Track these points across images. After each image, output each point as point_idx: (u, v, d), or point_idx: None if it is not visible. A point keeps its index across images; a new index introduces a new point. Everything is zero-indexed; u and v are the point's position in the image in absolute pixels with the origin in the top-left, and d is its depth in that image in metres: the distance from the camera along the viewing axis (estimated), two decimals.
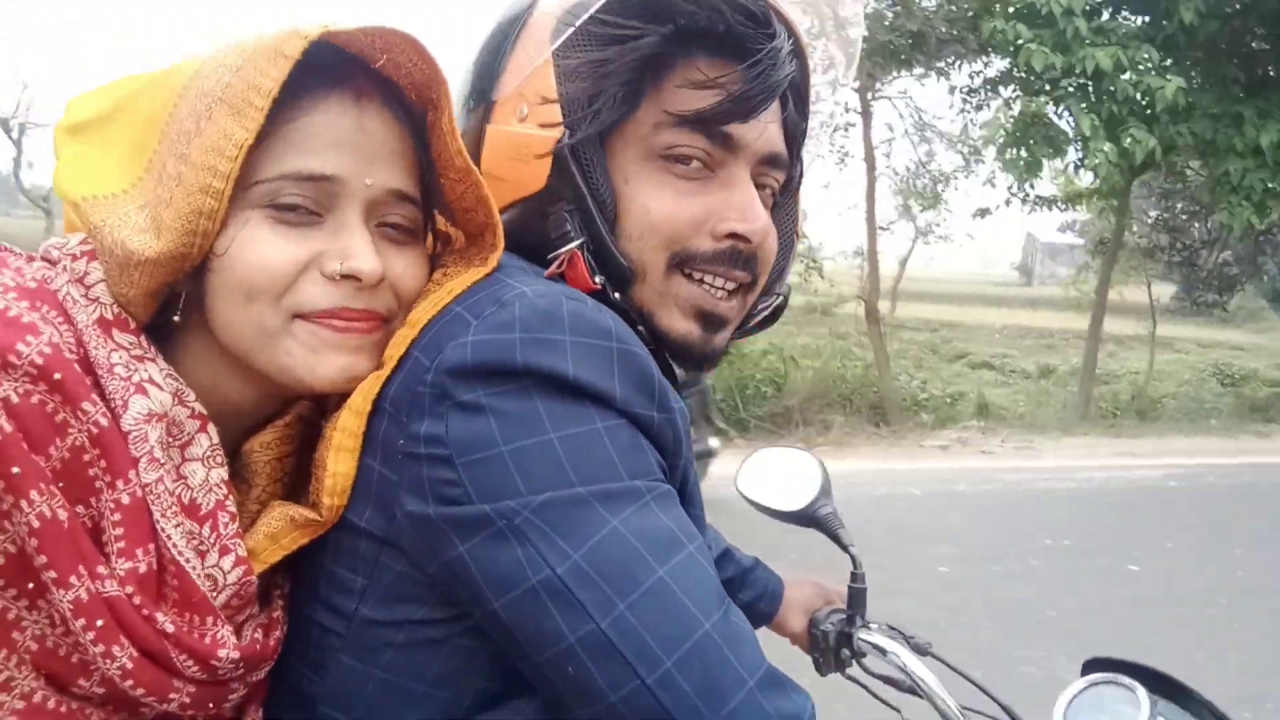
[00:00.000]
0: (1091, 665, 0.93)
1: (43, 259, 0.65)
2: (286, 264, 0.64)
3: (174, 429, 0.63)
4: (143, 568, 0.59)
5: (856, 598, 1.04)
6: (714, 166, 0.74)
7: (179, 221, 0.62)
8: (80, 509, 0.58)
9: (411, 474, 0.61)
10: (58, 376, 0.57)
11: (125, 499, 0.58)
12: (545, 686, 0.61)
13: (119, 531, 0.58)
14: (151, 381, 0.62)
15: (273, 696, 0.69)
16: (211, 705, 0.63)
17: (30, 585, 0.56)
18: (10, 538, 0.55)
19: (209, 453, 0.64)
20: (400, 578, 0.63)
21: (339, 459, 0.64)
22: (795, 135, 0.78)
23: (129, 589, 0.58)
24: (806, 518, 1.06)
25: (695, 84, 0.72)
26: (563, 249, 0.73)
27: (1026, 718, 0.93)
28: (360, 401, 0.65)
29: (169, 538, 0.60)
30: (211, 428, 0.64)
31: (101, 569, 0.57)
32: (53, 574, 0.56)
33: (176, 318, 0.66)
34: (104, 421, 0.58)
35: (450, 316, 0.65)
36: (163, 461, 0.60)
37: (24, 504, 0.55)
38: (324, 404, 0.71)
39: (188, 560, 0.60)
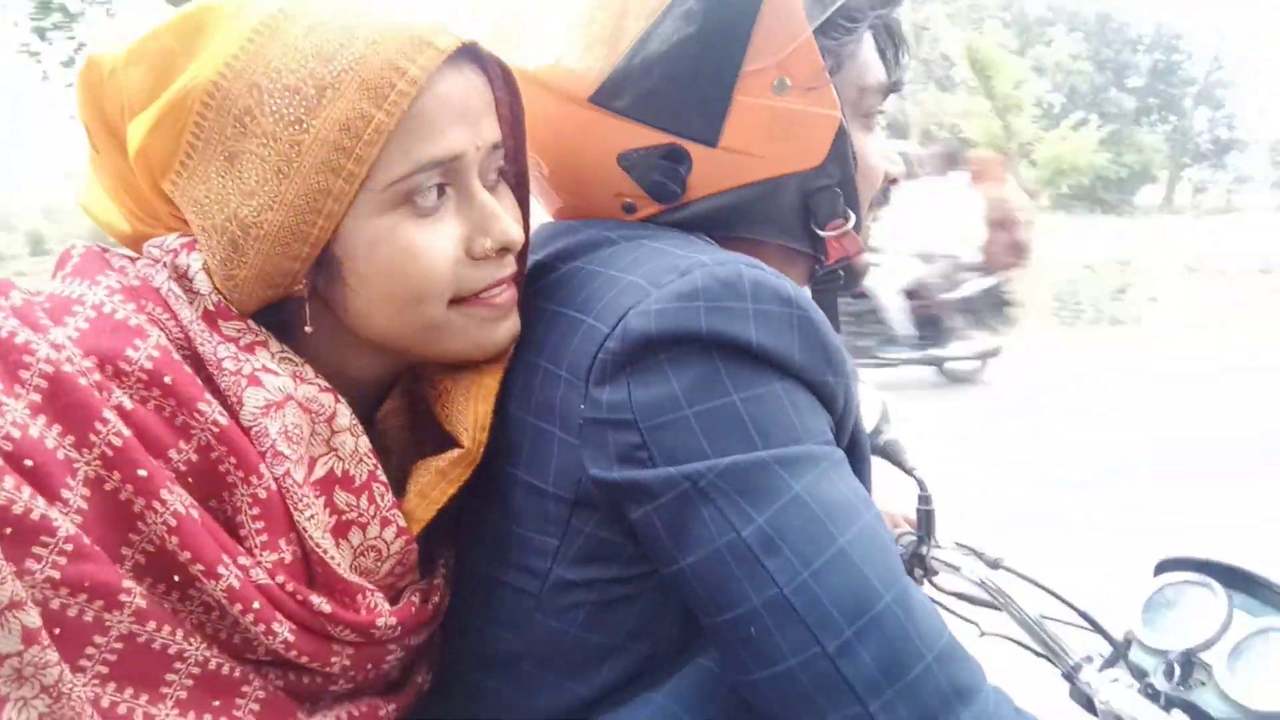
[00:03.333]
0: (1165, 565, 0.94)
1: (145, 258, 0.65)
2: (447, 261, 0.64)
3: (312, 406, 0.63)
4: (288, 557, 0.61)
5: (925, 519, 1.05)
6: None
7: (301, 198, 0.60)
8: (213, 503, 0.60)
9: (595, 439, 0.64)
10: (168, 380, 0.58)
11: (262, 493, 0.60)
12: (723, 644, 0.63)
13: (259, 525, 0.60)
14: (265, 369, 0.61)
15: (464, 662, 0.72)
16: (371, 665, 0.65)
17: (176, 578, 0.58)
18: (146, 538, 0.57)
19: (352, 423, 0.65)
20: (591, 538, 0.66)
21: (481, 400, 0.67)
22: None
23: (280, 578, 0.60)
24: (871, 447, 1.08)
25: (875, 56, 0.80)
26: (836, 229, 0.78)
27: (1104, 622, 0.94)
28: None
29: (305, 530, 0.61)
30: (343, 400, 0.65)
31: (244, 560, 0.59)
32: (200, 566, 0.57)
33: (308, 328, 0.65)
34: (223, 420, 0.59)
35: (623, 285, 0.66)
36: (289, 454, 0.61)
37: (157, 504, 0.56)
38: (429, 366, 0.72)
39: (326, 551, 0.62)
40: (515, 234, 0.66)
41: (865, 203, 0.81)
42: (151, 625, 0.57)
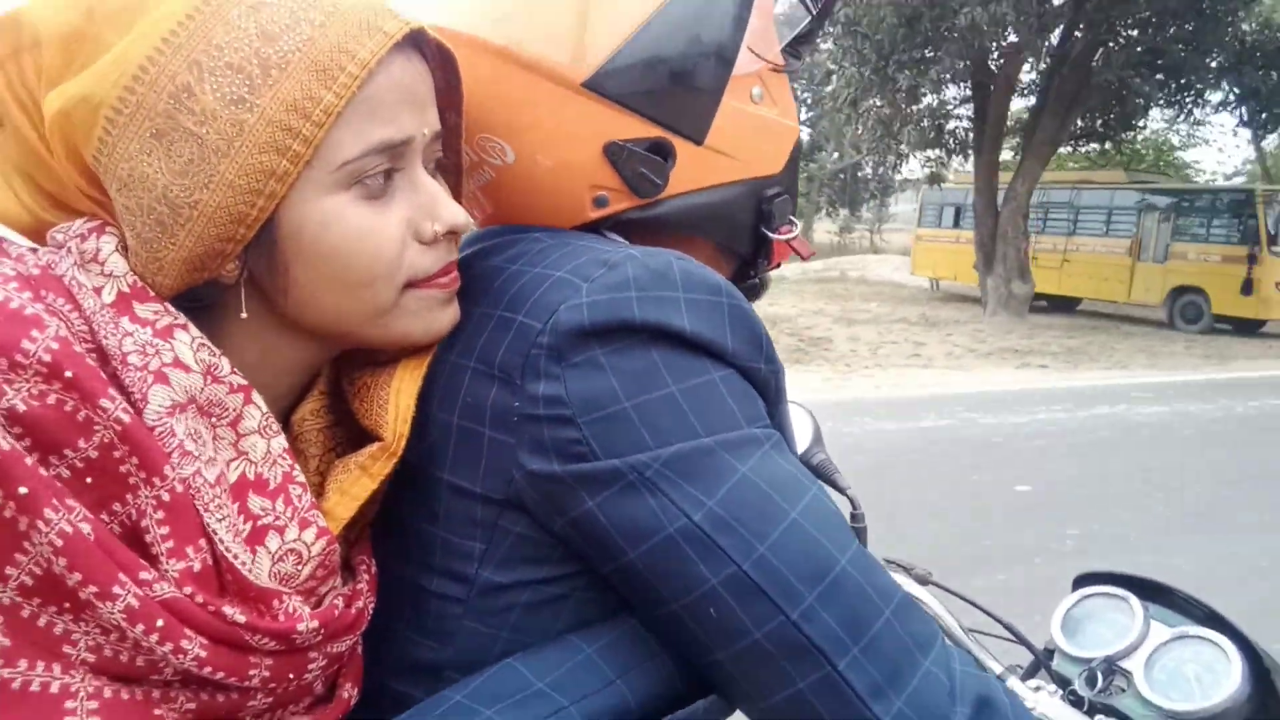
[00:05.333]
0: (1083, 580, 0.99)
1: (49, 245, 0.61)
2: (394, 242, 0.63)
3: (214, 409, 0.60)
4: (197, 565, 0.57)
5: (858, 536, 1.08)
6: None
7: (242, 178, 0.57)
8: (106, 516, 0.55)
9: (531, 435, 0.62)
10: (69, 374, 0.53)
11: (166, 495, 0.56)
12: (679, 630, 0.62)
13: (164, 531, 0.56)
14: (176, 364, 0.58)
15: (390, 672, 0.69)
16: (292, 676, 0.61)
17: (67, 603, 0.53)
18: (34, 559, 0.52)
19: (264, 423, 0.62)
20: (521, 539, 0.64)
21: (403, 395, 0.65)
22: None
23: (188, 589, 0.56)
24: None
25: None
26: (787, 232, 0.81)
27: (1030, 635, 0.98)
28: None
29: (215, 534, 0.57)
30: (258, 397, 0.62)
31: (145, 574, 0.54)
32: (93, 589, 0.52)
33: (244, 315, 0.62)
34: (125, 418, 0.55)
35: (552, 281, 0.65)
36: (197, 454, 0.57)
37: (40, 524, 0.51)
38: (348, 364, 0.71)
39: (237, 557, 0.58)
40: (462, 217, 0.66)
41: None
42: (23, 665, 0.52)
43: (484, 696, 0.62)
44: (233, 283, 0.62)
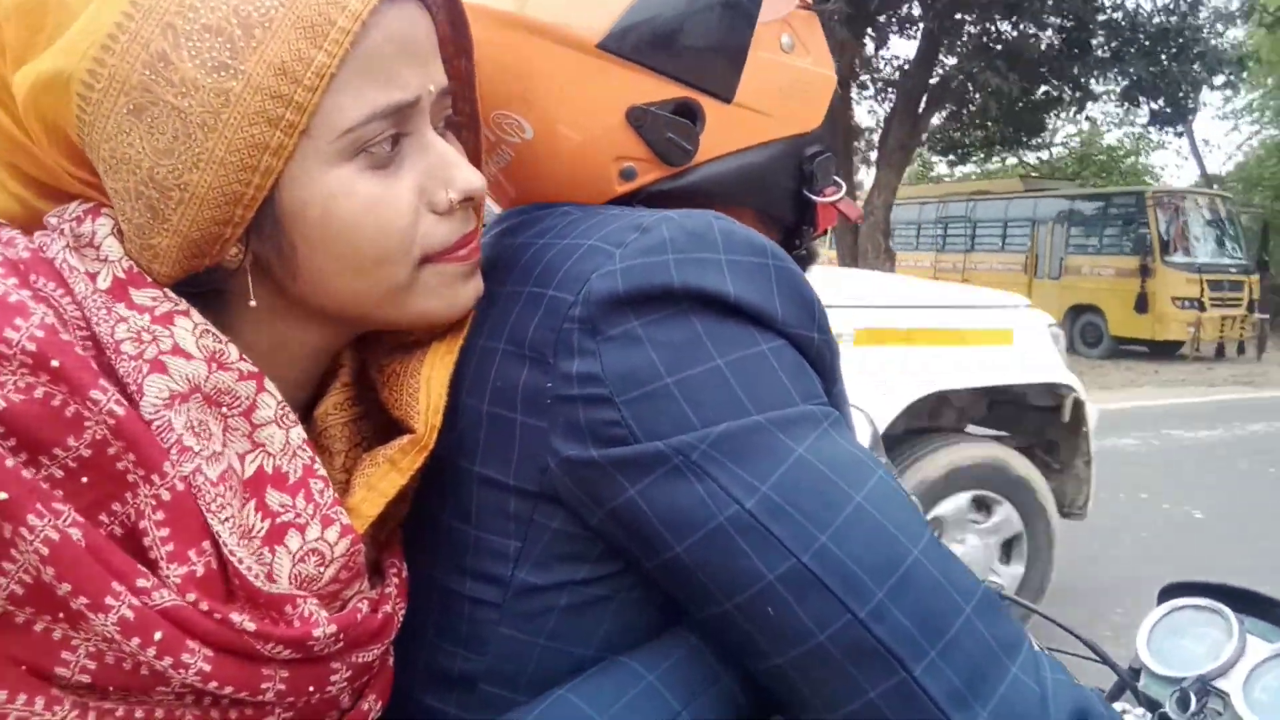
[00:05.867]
0: (1169, 591, 0.91)
1: (42, 229, 0.58)
2: (407, 215, 0.57)
3: (224, 398, 0.55)
4: (200, 569, 0.52)
5: None
6: None
7: (233, 154, 0.52)
8: (106, 517, 0.51)
9: (565, 417, 0.58)
10: (56, 363, 0.49)
11: (166, 495, 0.52)
12: (734, 633, 0.57)
13: (164, 533, 0.52)
14: (175, 351, 0.54)
15: (418, 683, 0.65)
16: (313, 689, 0.56)
17: (61, 614, 0.50)
18: (22, 567, 0.49)
19: (280, 413, 0.57)
20: (558, 535, 0.60)
21: (435, 383, 0.61)
22: None
23: (190, 595, 0.52)
24: None
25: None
26: (833, 194, 0.74)
27: (1113, 653, 0.91)
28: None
29: (219, 536, 0.53)
30: (271, 386, 0.58)
31: (143, 581, 0.51)
32: (84, 600, 0.49)
33: (253, 302, 0.58)
34: (119, 410, 0.51)
35: (582, 251, 0.61)
36: (198, 449, 0.53)
37: (25, 531, 0.47)
38: (375, 351, 0.67)
39: (242, 560, 0.54)
40: (478, 182, 0.61)
41: None
42: (2, 695, 0.49)
43: None
44: (236, 268, 0.57)
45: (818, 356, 0.61)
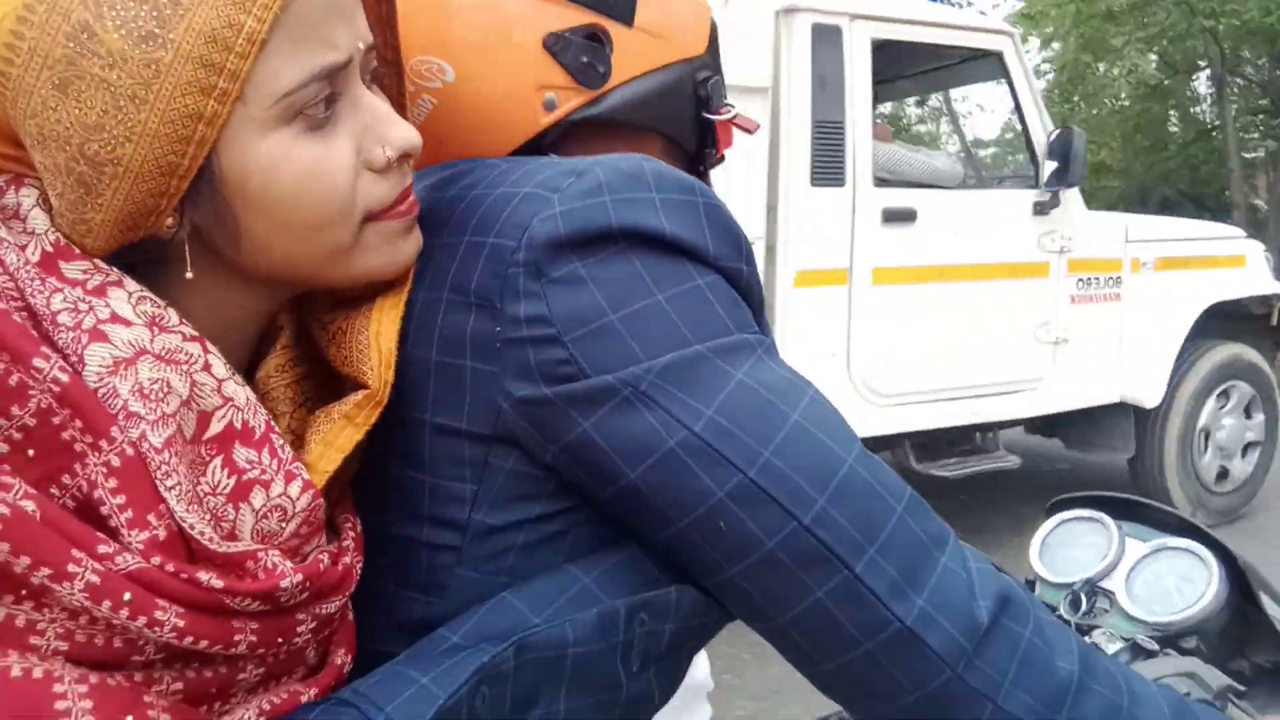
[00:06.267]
0: (1056, 506, 0.99)
1: None
2: (347, 176, 0.57)
3: (177, 356, 0.54)
4: (162, 533, 0.52)
5: None
6: None
7: (167, 126, 0.51)
8: (56, 490, 0.50)
9: (515, 359, 0.59)
10: None
11: (116, 460, 0.51)
12: (689, 551, 0.60)
13: (120, 500, 0.51)
14: (114, 319, 0.52)
15: (382, 636, 0.66)
16: (281, 640, 0.57)
17: (24, 590, 0.49)
18: None
19: (231, 372, 0.57)
20: (513, 475, 0.61)
21: (384, 337, 0.61)
22: None
23: (156, 559, 0.51)
24: None
25: None
26: (725, 113, 0.79)
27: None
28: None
29: (167, 502, 0.52)
30: (213, 347, 0.57)
31: (104, 548, 0.50)
32: (46, 571, 0.48)
33: (189, 274, 0.57)
34: (64, 377, 0.50)
35: (519, 197, 0.62)
36: (143, 414, 0.52)
37: None
38: (315, 310, 0.67)
39: (193, 526, 0.53)
40: (414, 136, 0.61)
41: None
42: None
43: (474, 636, 0.60)
44: (170, 237, 0.57)
45: (747, 289, 0.64)
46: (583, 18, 0.72)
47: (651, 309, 0.59)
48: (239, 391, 0.56)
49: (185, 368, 0.54)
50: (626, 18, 0.73)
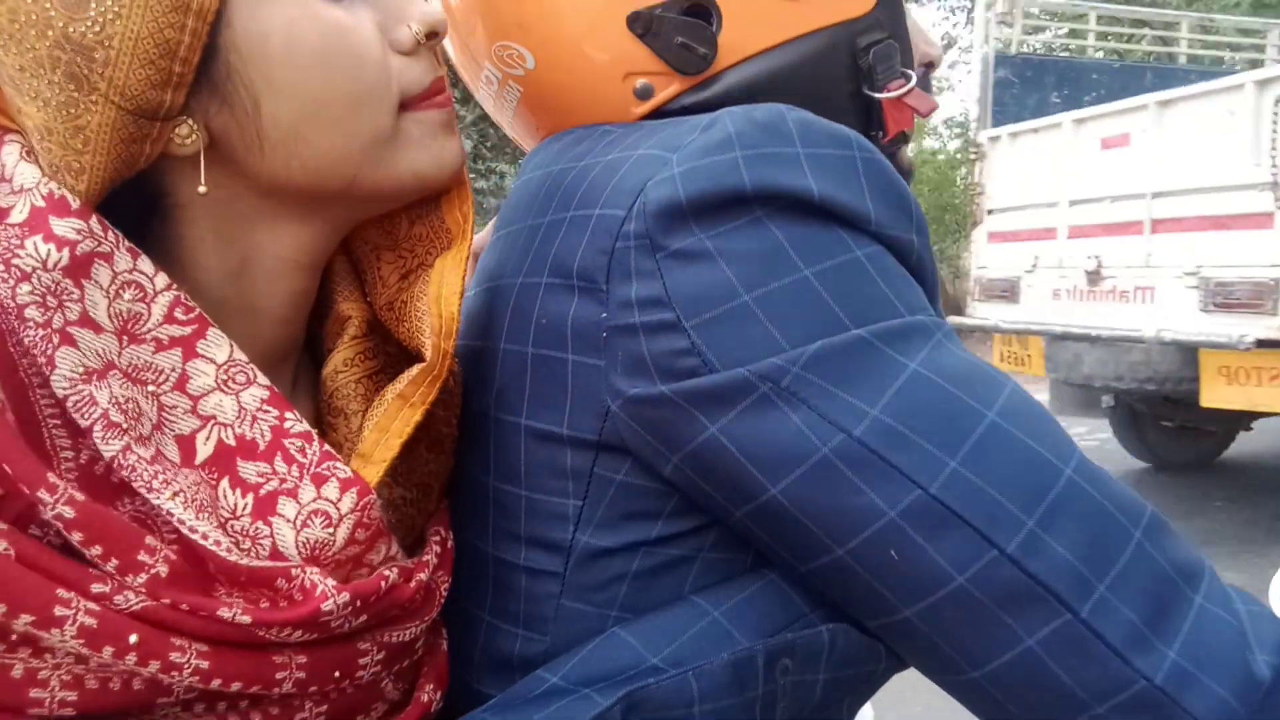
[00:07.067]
0: None
1: None
2: (377, 45, 0.51)
3: (145, 374, 0.47)
4: (163, 570, 0.45)
5: None
6: None
7: None
8: (36, 528, 0.44)
9: (626, 351, 0.49)
10: None
11: (69, 511, 0.44)
12: (847, 588, 0.48)
13: (96, 551, 0.44)
14: (84, 321, 0.47)
15: (475, 671, 0.57)
16: (339, 674, 0.49)
17: (13, 637, 0.43)
18: None
19: (223, 378, 0.50)
20: (625, 489, 0.51)
21: (444, 302, 0.53)
22: None
23: (166, 599, 0.45)
24: None
25: None
26: (899, 88, 0.62)
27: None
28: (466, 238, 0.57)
29: (171, 514, 0.46)
30: (212, 346, 0.50)
31: (99, 586, 0.44)
32: (27, 618, 0.42)
33: (203, 188, 0.50)
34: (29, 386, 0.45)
35: (632, 161, 0.52)
36: (127, 427, 0.46)
37: None
38: (382, 293, 0.60)
39: (207, 535, 0.46)
40: (439, 13, 0.54)
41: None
42: None
43: (578, 679, 0.49)
44: (190, 155, 0.50)
45: (919, 264, 0.52)
46: None
47: (796, 287, 0.47)
48: (225, 403, 0.50)
49: (152, 389, 0.48)
50: None
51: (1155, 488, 5.15)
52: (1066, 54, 6.69)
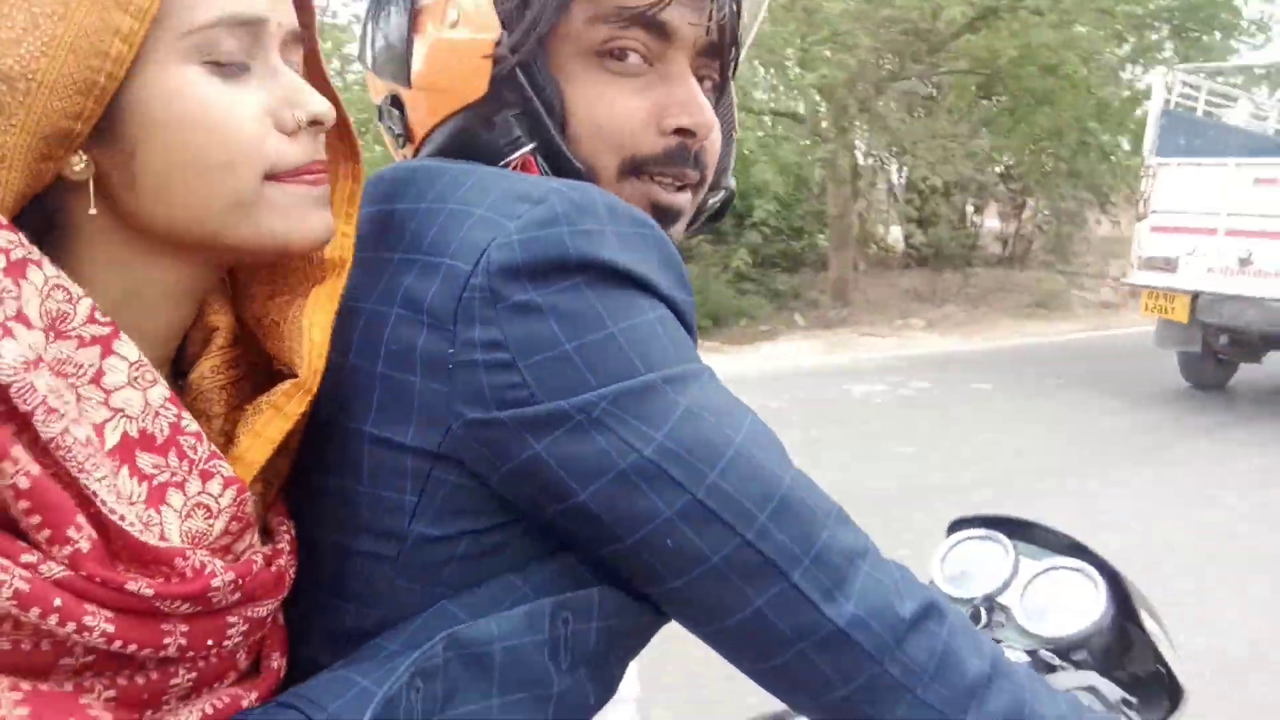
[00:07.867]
0: (956, 525, 1.06)
1: None
2: (252, 122, 0.57)
3: (66, 367, 0.53)
4: (85, 545, 0.51)
5: None
6: (653, 60, 0.75)
7: (84, 39, 0.52)
8: None
9: (467, 382, 0.60)
10: None
11: (23, 482, 0.49)
12: (632, 564, 0.63)
13: (35, 520, 0.49)
14: (19, 317, 0.50)
15: (316, 645, 0.65)
16: (212, 642, 0.56)
17: None
18: None
19: (134, 374, 0.55)
20: (456, 490, 0.62)
21: (316, 328, 0.61)
22: (729, 25, 0.78)
23: (84, 571, 0.50)
24: None
25: None
26: (514, 154, 0.73)
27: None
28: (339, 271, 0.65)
29: (96, 495, 0.51)
30: (125, 346, 0.55)
31: (29, 556, 0.49)
32: None
33: (93, 210, 0.55)
34: None
35: (474, 220, 0.63)
36: (62, 411, 0.51)
37: None
38: (252, 308, 0.67)
39: (124, 517, 0.52)
40: (326, 106, 0.61)
41: (602, 154, 0.75)
42: None
43: (413, 643, 0.61)
44: (83, 180, 0.56)
45: (689, 321, 0.68)
46: (386, 88, 0.78)
47: (605, 340, 0.61)
48: (133, 398, 0.55)
49: (72, 380, 0.53)
50: (405, 81, 0.76)
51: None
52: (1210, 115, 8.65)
